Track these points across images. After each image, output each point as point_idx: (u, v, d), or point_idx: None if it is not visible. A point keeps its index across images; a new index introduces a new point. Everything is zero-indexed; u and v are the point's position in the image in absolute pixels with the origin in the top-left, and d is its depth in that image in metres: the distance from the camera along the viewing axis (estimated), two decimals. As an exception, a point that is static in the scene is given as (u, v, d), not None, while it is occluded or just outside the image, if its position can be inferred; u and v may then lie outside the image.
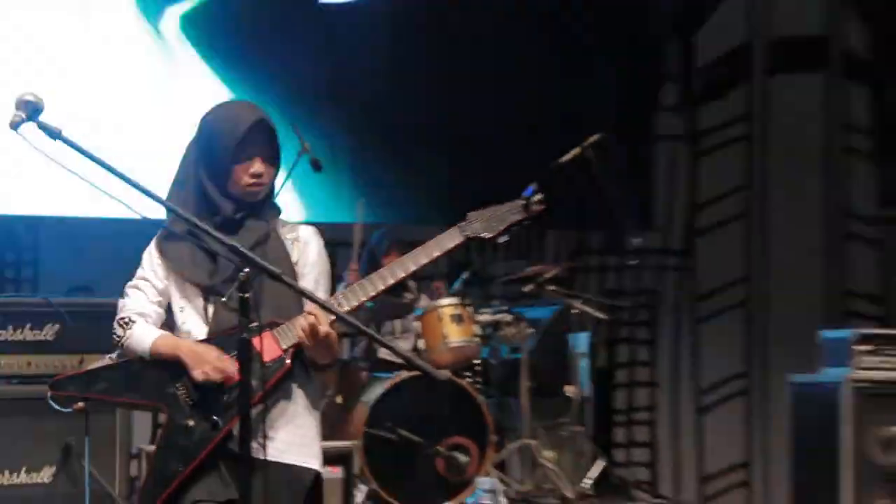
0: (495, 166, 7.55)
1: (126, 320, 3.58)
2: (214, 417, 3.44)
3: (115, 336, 3.65)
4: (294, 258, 3.60)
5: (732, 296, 8.41)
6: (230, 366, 3.41)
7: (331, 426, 6.32)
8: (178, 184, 3.62)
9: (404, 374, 6.41)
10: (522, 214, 3.55)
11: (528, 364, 6.86)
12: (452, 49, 7.97)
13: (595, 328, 7.51)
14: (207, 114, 3.68)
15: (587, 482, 6.97)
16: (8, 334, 5.47)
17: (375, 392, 6.39)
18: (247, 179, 3.52)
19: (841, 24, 8.66)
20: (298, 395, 3.56)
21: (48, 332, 5.58)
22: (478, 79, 7.95)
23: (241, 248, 3.18)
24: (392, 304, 6.85)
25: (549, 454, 6.97)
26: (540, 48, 8.05)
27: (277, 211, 3.66)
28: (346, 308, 3.45)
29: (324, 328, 3.40)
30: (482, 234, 3.47)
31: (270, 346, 3.47)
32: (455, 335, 6.60)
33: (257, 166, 3.51)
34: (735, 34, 8.34)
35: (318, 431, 3.60)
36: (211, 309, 3.63)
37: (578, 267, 8.18)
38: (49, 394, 3.75)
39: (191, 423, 3.45)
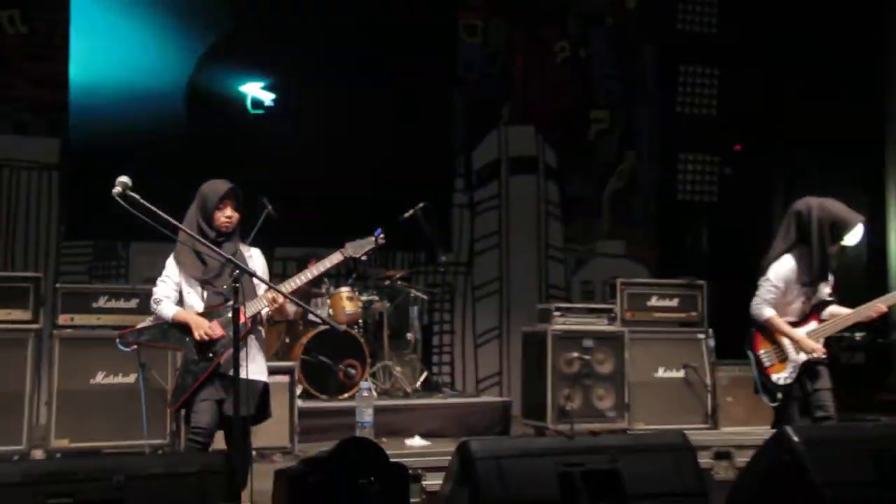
0: (365, 212, 8.32)
1: (158, 299, 4.72)
2: (210, 355, 4.52)
3: (152, 307, 4.79)
4: (249, 266, 4.62)
5: (492, 287, 10.43)
6: (215, 329, 4.55)
7: (282, 355, 8.08)
8: (186, 222, 4.63)
9: (321, 327, 7.80)
10: (373, 245, 4.82)
11: (387, 322, 8.39)
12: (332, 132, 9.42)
13: (422, 303, 9.03)
14: (204, 185, 4.79)
15: (418, 384, 8.35)
16: (112, 304, 6.70)
17: (306, 337, 7.81)
18: (223, 220, 4.71)
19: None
20: (254, 341, 4.69)
21: (133, 303, 6.73)
22: (353, 153, 9.42)
23: (234, 259, 4.34)
24: (314, 291, 8.28)
25: (398, 369, 8.28)
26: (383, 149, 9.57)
27: (239, 238, 4.80)
28: (288, 290, 4.59)
29: (280, 299, 4.54)
30: (352, 255, 4.82)
31: (241, 315, 4.24)
32: (349, 307, 8.13)
33: (228, 211, 4.72)
34: (491, 153, 10.48)
35: (264, 360, 4.79)
36: (205, 294, 4.71)
37: (414, 271, 9.69)
38: (117, 339, 4.74)
39: (197, 358, 4.56)
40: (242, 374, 4.18)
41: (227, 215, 4.69)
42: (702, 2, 10.81)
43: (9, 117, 8.73)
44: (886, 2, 10.34)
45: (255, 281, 4.55)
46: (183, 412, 4.70)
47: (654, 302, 8.13)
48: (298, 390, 7.10)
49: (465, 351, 10.31)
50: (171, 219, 4.26)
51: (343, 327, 7.87)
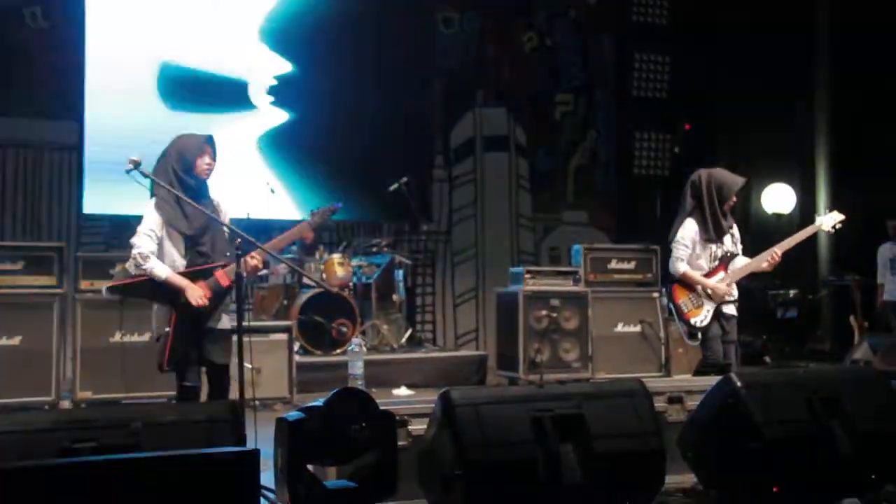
0: (355, 187, 9.27)
1: (146, 255, 4.21)
2: (200, 319, 4.25)
3: (138, 261, 4.20)
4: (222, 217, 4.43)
5: (469, 253, 10.50)
6: (205, 293, 4.22)
7: (281, 315, 8.02)
8: (159, 173, 4.27)
9: (316, 290, 7.87)
10: (330, 213, 4.53)
11: (375, 285, 8.50)
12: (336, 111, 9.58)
13: (406, 268, 9.01)
14: (178, 138, 4.39)
15: (403, 340, 8.50)
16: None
17: (302, 298, 7.90)
18: (203, 167, 4.33)
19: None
20: (229, 300, 4.39)
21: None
22: (343, 134, 9.55)
23: (236, 230, 4.25)
24: (310, 256, 8.37)
25: (385, 327, 8.41)
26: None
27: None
28: (263, 255, 4.34)
29: (258, 264, 4.33)
30: (318, 222, 4.54)
31: (223, 277, 4.28)
32: (340, 272, 8.13)
33: (207, 158, 4.35)
34: (467, 133, 10.50)
35: (232, 314, 4.38)
36: (187, 251, 4.31)
37: (399, 238, 9.65)
38: (104, 288, 4.97)
39: (187, 319, 4.23)
40: (219, 326, 4.29)
41: (206, 162, 4.34)
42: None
43: (32, 103, 8.63)
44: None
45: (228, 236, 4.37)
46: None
47: (613, 265, 8.17)
48: (296, 346, 7.13)
49: (445, 310, 10.36)
50: (175, 190, 4.21)
51: (335, 290, 7.90)
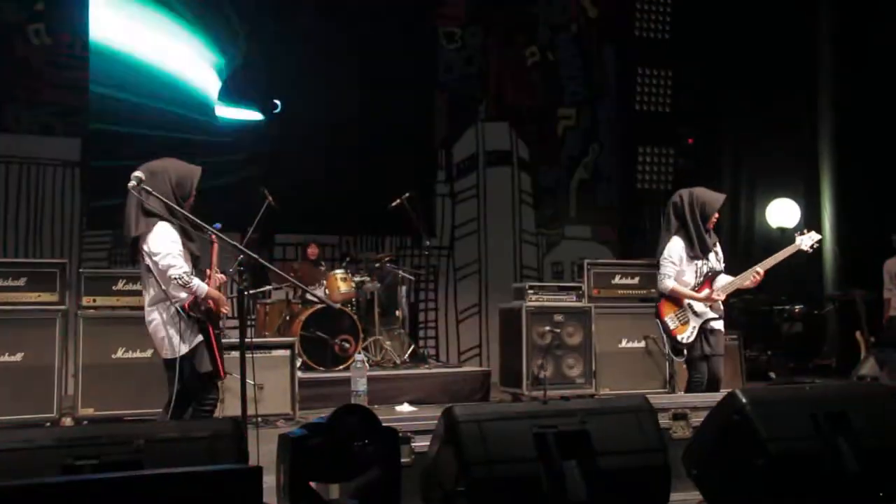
0: (357, 202, 9.33)
1: (190, 273, 4.30)
2: (219, 329, 4.40)
3: (184, 278, 4.23)
4: None
5: (472, 268, 10.51)
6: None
7: (283, 331, 8.05)
8: (160, 191, 4.28)
9: (318, 306, 7.89)
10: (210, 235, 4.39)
11: (377, 300, 8.45)
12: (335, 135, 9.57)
13: (409, 283, 9.02)
14: (173, 162, 4.44)
15: (406, 356, 8.43)
16: (129, 286, 6.56)
17: (305, 314, 7.83)
18: (191, 201, 4.43)
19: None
20: None
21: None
22: (346, 149, 9.57)
23: (244, 249, 4.34)
24: (315, 271, 8.44)
25: (388, 343, 8.37)
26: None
27: None
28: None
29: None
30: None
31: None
32: (342, 287, 8.14)
33: (195, 193, 4.46)
34: (470, 148, 10.52)
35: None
36: (193, 270, 4.40)
37: (402, 254, 9.88)
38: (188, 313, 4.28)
39: (217, 331, 4.37)
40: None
41: (193, 199, 4.46)
42: (656, 11, 10.84)
43: (35, 120, 8.70)
44: (814, 7, 10.44)
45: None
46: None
47: (617, 280, 8.15)
48: (298, 363, 7.12)
49: (448, 326, 10.36)
50: (179, 208, 4.20)
51: (338, 305, 7.87)
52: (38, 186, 8.74)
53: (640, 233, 10.75)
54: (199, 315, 4.19)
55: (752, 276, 5.46)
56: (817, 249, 5.79)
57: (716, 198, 5.49)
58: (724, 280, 5.58)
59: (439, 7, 10.49)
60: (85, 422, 6.26)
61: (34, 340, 6.27)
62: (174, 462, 2.75)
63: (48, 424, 6.06)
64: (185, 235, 4.30)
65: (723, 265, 5.62)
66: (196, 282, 4.20)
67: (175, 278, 4.16)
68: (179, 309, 4.21)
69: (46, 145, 8.73)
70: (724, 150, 10.94)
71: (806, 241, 5.59)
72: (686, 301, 5.49)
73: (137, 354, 6.49)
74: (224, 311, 4.32)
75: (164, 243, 4.19)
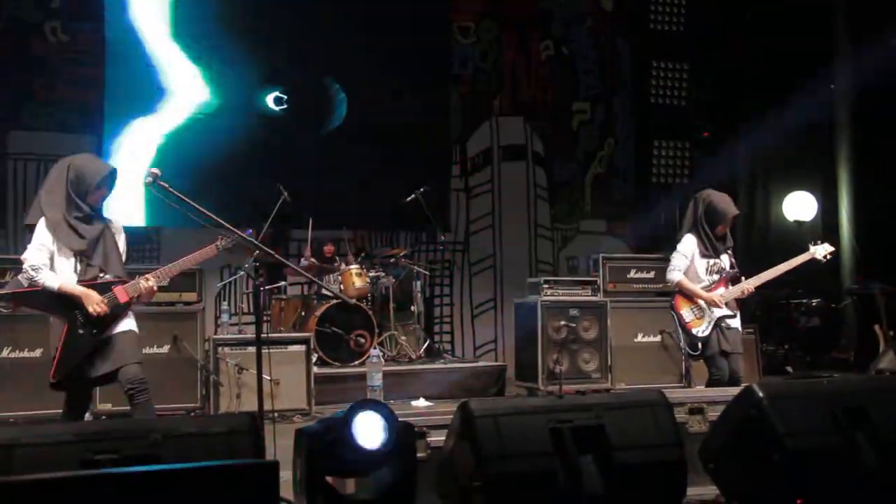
0: (372, 197, 9.25)
1: (37, 267, 4.24)
2: (94, 331, 4.27)
3: (30, 273, 4.23)
4: (120, 242, 4.45)
5: (487, 263, 10.47)
6: (105, 305, 4.27)
7: (298, 326, 8.08)
8: (52, 185, 4.34)
9: (333, 301, 7.92)
10: (238, 239, 4.36)
11: (392, 295, 8.50)
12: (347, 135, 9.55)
13: (424, 278, 9.12)
14: (78, 158, 4.40)
15: (421, 351, 8.49)
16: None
17: (320, 310, 7.88)
18: (97, 199, 4.37)
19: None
20: (130, 313, 4.43)
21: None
22: (361, 144, 9.45)
23: (266, 248, 4.89)
24: (328, 267, 8.42)
25: (403, 338, 8.43)
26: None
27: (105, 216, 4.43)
28: (165, 278, 4.46)
29: (153, 286, 4.34)
30: (225, 246, 4.41)
31: (121, 293, 4.32)
32: (358, 283, 8.17)
33: (104, 192, 4.39)
34: (484, 142, 10.52)
35: (134, 323, 4.46)
36: (79, 265, 4.31)
37: (416, 248, 9.77)
38: None
39: (81, 331, 4.26)
40: (122, 329, 4.32)
41: (101, 194, 4.38)
42: (671, 3, 10.79)
43: (52, 117, 8.75)
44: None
45: (122, 254, 4.43)
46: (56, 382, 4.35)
47: (633, 274, 8.19)
48: (314, 358, 7.13)
49: (464, 321, 10.38)
50: (196, 204, 4.17)
51: (353, 301, 7.90)
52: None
53: (655, 227, 10.66)
54: (3, 304, 4.40)
55: (742, 290, 5.54)
56: (835, 242, 5.81)
57: (725, 210, 5.54)
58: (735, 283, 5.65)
59: (453, 2, 10.47)
60: (103, 417, 6.29)
61: (54, 337, 6.25)
62: (191, 457, 2.77)
63: (67, 419, 6.12)
64: (72, 230, 4.28)
65: (732, 265, 5.66)
66: (43, 275, 4.21)
67: (24, 269, 4.27)
68: None
69: (63, 142, 8.72)
70: (740, 143, 10.87)
71: (820, 250, 5.66)
72: None
73: (154, 350, 6.49)
74: (92, 309, 4.21)
75: (33, 238, 4.30)
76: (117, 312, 4.31)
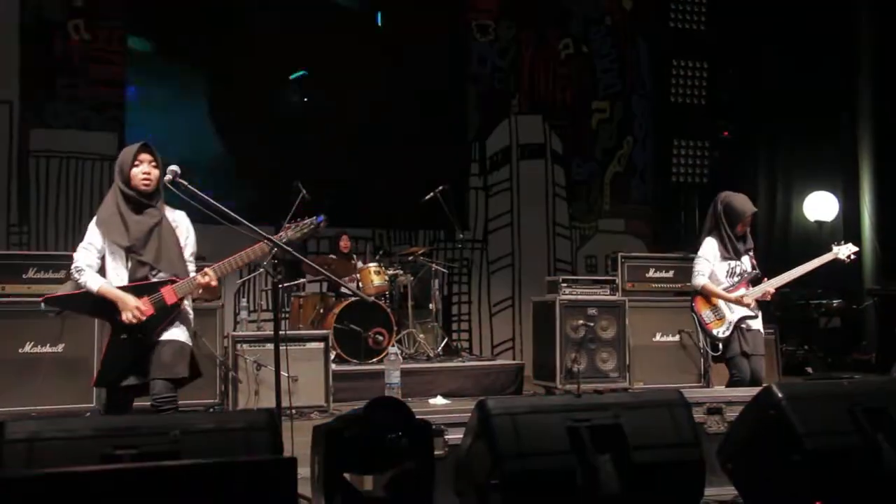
0: (391, 194, 9.35)
1: (80, 268, 4.03)
2: (139, 335, 3.97)
3: (73, 275, 4.06)
4: (181, 236, 4.13)
5: (505, 261, 10.54)
6: (144, 308, 3.94)
7: (317, 324, 8.15)
8: (109, 192, 4.14)
9: (352, 299, 7.92)
10: (312, 228, 4.17)
11: (410, 293, 8.54)
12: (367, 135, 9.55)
13: (442, 276, 9.12)
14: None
15: (439, 349, 8.52)
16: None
17: (339, 307, 7.89)
18: (141, 177, 4.04)
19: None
20: (186, 314, 4.14)
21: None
22: (380, 142, 9.53)
23: (274, 239, 3.97)
24: (347, 264, 8.50)
25: (421, 336, 8.50)
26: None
27: (163, 202, 4.12)
28: (220, 273, 4.06)
29: (213, 282, 4.07)
30: (292, 237, 4.10)
31: (169, 294, 4.01)
32: (376, 280, 8.19)
33: (145, 167, 4.05)
34: (503, 141, 10.58)
35: (187, 325, 4.15)
36: (129, 263, 4.05)
37: (435, 247, 9.85)
38: (42, 303, 4.15)
39: (124, 336, 3.99)
40: (167, 337, 3.98)
41: (144, 171, 4.04)
42: (691, 2, 10.75)
43: (75, 115, 8.85)
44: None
45: (183, 249, 4.10)
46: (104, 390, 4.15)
47: (651, 274, 8.11)
48: (332, 355, 7.14)
49: (482, 319, 10.37)
50: (216, 203, 3.97)
51: (371, 298, 7.87)
52: (78, 180, 8.86)
53: (674, 226, 10.69)
54: (50, 309, 4.11)
55: (764, 291, 5.52)
56: (857, 243, 5.79)
57: (743, 209, 5.53)
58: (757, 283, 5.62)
59: (472, 0, 10.47)
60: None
61: (74, 332, 6.31)
62: (210, 452, 2.78)
63: (88, 414, 6.09)
64: (122, 224, 4.05)
65: (757, 270, 5.63)
66: (85, 276, 4.01)
67: (71, 270, 4.10)
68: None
69: (85, 140, 8.86)
70: (760, 142, 10.81)
71: (843, 251, 5.63)
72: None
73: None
74: (125, 317, 3.93)
75: (86, 234, 4.13)
76: (163, 316, 3.98)
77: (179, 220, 4.18)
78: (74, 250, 4.12)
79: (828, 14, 10.04)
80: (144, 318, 3.93)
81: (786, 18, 10.15)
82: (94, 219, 4.09)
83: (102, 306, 3.99)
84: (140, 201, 4.02)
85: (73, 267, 4.04)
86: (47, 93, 8.72)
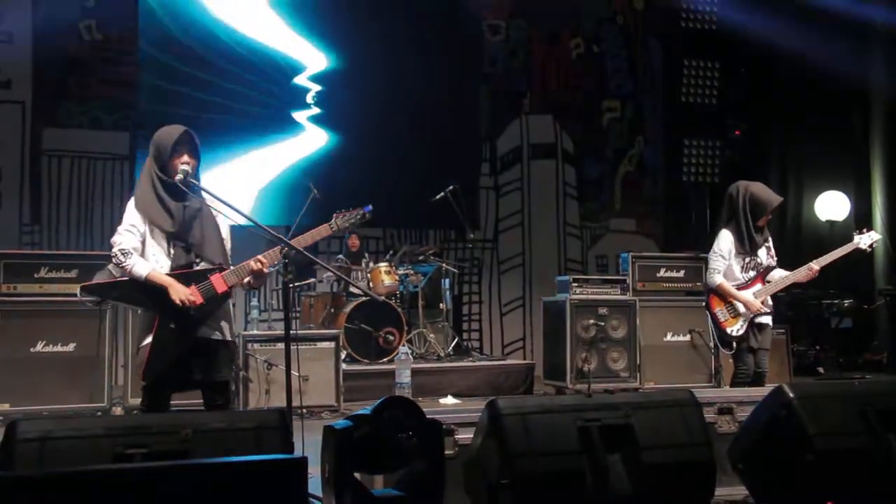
0: (402, 194, 9.18)
1: (127, 251, 3.78)
2: (188, 325, 3.81)
3: (119, 257, 3.77)
4: (221, 225, 4.01)
5: (516, 261, 10.57)
6: (194, 296, 3.77)
7: (328, 323, 8.09)
8: (142, 175, 3.93)
9: (362, 298, 7.88)
10: (360, 218, 4.13)
11: (421, 293, 8.51)
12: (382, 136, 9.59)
13: (453, 276, 9.17)
14: (157, 133, 3.91)
15: (450, 349, 8.47)
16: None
17: (349, 307, 7.90)
18: (180, 168, 3.84)
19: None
20: (230, 307, 4.04)
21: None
22: (391, 142, 9.56)
23: (283, 238, 3.85)
24: (354, 264, 8.45)
25: (432, 335, 8.46)
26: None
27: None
28: (270, 260, 3.91)
29: (266, 269, 3.90)
30: (340, 227, 4.08)
31: (219, 282, 3.86)
32: (387, 280, 8.17)
33: (185, 158, 3.86)
34: (514, 140, 10.57)
35: (233, 324, 4.06)
36: (172, 250, 3.87)
37: (445, 247, 9.82)
38: (80, 289, 3.87)
39: (172, 326, 3.80)
40: (217, 337, 3.89)
41: (184, 162, 3.85)
42: (702, 1, 10.71)
43: (86, 114, 8.88)
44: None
45: (223, 238, 3.96)
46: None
47: (662, 273, 8.13)
48: (343, 355, 7.15)
49: (492, 318, 10.38)
50: (227, 202, 3.90)
51: (382, 298, 7.88)
52: (89, 180, 8.89)
53: (685, 226, 10.65)
54: (89, 298, 3.86)
55: (806, 272, 5.41)
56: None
57: (770, 199, 5.41)
58: (778, 274, 5.53)
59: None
60: (135, 412, 6.17)
61: (85, 331, 6.34)
62: (221, 451, 2.78)
63: (99, 414, 6.12)
64: (164, 209, 3.86)
65: (775, 260, 5.55)
66: (132, 261, 3.77)
67: (113, 255, 3.84)
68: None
69: (96, 139, 8.89)
70: (771, 141, 10.77)
71: (865, 239, 5.52)
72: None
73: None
74: (178, 299, 3.73)
75: (125, 216, 3.92)
76: (213, 306, 3.85)
77: (217, 213, 4.02)
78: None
79: (840, 15, 9.98)
80: (196, 304, 3.76)
81: (797, 18, 10.09)
82: (132, 200, 3.88)
83: (150, 294, 3.77)
84: (178, 188, 3.85)
85: (116, 250, 3.78)
86: (60, 92, 8.77)
